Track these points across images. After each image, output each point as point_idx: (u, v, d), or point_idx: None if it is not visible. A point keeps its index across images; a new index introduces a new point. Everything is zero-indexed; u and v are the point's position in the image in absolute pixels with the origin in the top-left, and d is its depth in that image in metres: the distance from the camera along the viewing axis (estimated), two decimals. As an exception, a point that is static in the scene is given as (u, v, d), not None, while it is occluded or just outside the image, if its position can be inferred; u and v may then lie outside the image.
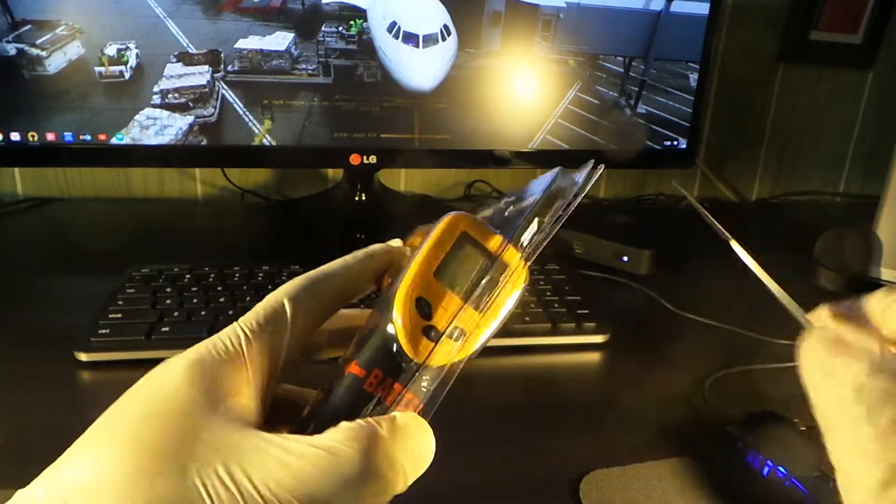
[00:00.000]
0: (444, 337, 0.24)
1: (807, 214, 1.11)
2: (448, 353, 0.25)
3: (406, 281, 0.25)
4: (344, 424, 0.22)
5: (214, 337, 0.24)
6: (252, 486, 0.20)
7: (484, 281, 0.25)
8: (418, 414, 0.25)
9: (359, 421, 0.22)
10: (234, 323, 0.25)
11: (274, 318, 0.25)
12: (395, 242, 0.29)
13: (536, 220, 0.25)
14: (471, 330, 0.25)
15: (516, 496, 0.42)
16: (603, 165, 0.27)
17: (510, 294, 0.26)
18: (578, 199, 0.25)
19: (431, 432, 0.24)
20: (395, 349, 0.24)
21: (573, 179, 0.26)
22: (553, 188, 0.26)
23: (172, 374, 0.22)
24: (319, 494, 0.20)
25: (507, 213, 0.28)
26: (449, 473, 0.43)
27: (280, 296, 0.25)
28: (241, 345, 0.23)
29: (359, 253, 0.28)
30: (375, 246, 0.28)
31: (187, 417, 0.21)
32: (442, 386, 0.25)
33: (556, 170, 0.27)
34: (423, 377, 0.25)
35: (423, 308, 0.25)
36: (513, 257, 0.25)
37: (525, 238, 0.25)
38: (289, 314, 0.25)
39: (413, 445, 0.23)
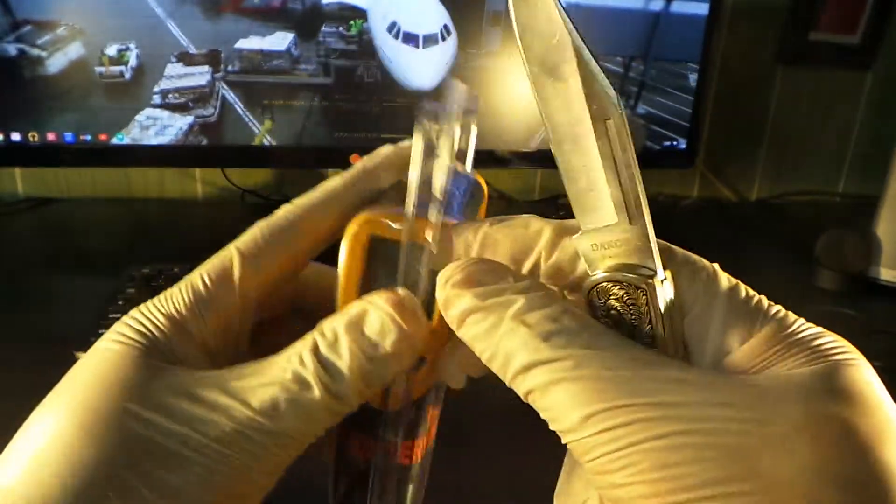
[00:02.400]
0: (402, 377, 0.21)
1: (807, 214, 1.11)
2: (422, 380, 0.22)
3: None
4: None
5: (156, 299, 0.21)
6: (206, 407, 0.18)
7: (420, 284, 0.21)
8: (428, 448, 0.24)
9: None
10: (180, 282, 0.22)
11: (221, 275, 0.21)
12: (404, 143, 0.23)
13: (439, 162, 0.21)
14: (429, 349, 0.21)
15: (518, 495, 0.42)
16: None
17: None
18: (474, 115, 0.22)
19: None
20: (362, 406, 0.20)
21: (450, 104, 0.22)
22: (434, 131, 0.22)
23: (114, 348, 0.20)
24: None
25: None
26: (450, 472, 0.44)
27: (230, 249, 0.22)
28: (183, 308, 0.21)
29: (355, 169, 0.23)
30: (379, 153, 0.24)
31: (127, 377, 0.19)
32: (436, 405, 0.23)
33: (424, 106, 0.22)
34: (409, 417, 0.23)
35: None
36: (425, 229, 0.21)
37: (437, 188, 0.21)
38: (236, 271, 0.21)
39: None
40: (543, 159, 0.82)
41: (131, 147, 0.70)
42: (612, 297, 0.18)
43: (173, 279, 0.22)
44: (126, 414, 0.18)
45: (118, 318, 0.21)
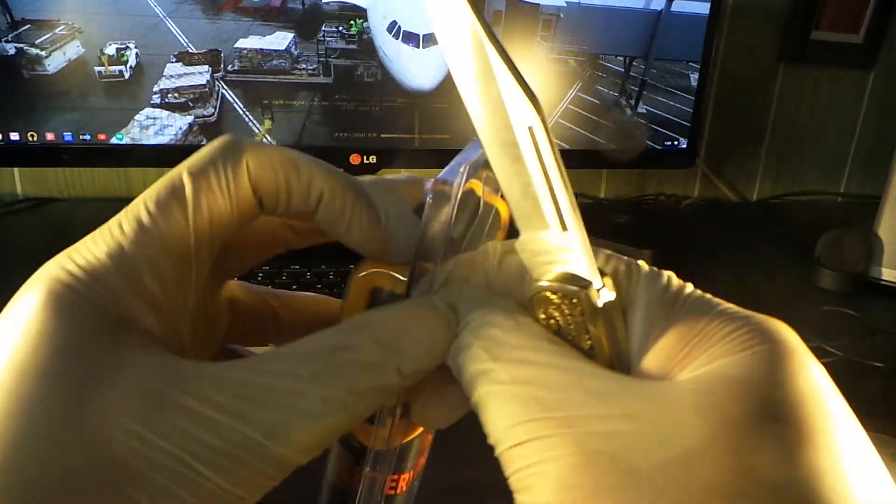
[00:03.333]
0: (386, 418, 0.21)
1: (808, 214, 1.11)
2: (406, 426, 0.22)
3: None
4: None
5: (87, 239, 0.17)
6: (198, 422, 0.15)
7: None
8: (417, 474, 0.24)
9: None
10: (117, 216, 0.18)
11: (169, 201, 0.18)
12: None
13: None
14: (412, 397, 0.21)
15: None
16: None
17: None
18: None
19: None
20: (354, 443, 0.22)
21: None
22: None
23: (35, 316, 0.15)
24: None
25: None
26: (450, 473, 0.43)
27: (179, 169, 0.18)
28: (126, 245, 0.17)
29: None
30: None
31: (67, 366, 0.15)
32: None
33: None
34: (395, 456, 0.23)
35: None
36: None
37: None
38: (188, 192, 0.18)
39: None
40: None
41: (131, 147, 0.69)
42: (551, 307, 0.18)
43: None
44: (103, 433, 0.14)
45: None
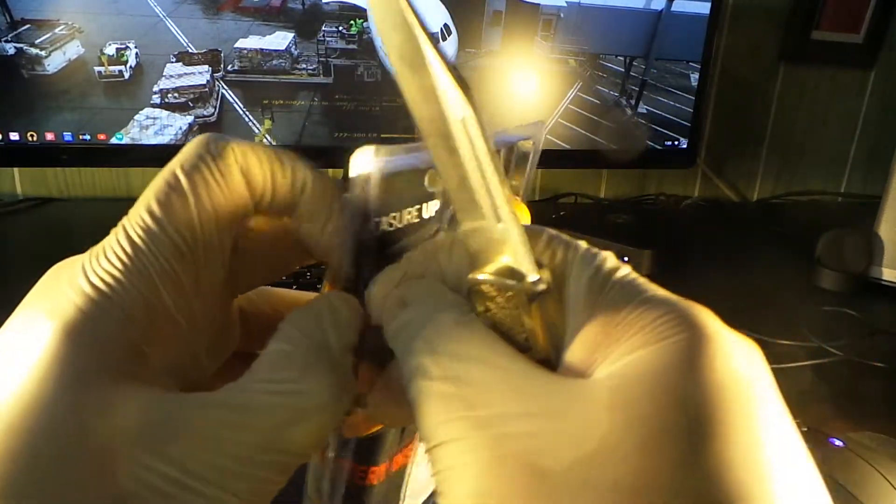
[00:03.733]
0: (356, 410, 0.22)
1: (808, 214, 1.11)
2: (363, 420, 0.22)
3: None
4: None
5: (98, 251, 0.17)
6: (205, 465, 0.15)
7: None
8: (398, 470, 0.24)
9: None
10: (113, 232, 0.17)
11: (170, 199, 0.17)
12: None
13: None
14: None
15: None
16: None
17: None
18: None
19: None
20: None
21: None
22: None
23: (41, 353, 0.15)
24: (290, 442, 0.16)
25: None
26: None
27: (172, 168, 0.18)
28: (132, 257, 0.16)
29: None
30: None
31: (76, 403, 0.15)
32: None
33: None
34: (363, 446, 0.23)
35: None
36: None
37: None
38: (186, 186, 0.17)
39: None
40: (544, 159, 0.81)
41: (131, 147, 0.69)
42: (487, 299, 0.18)
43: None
44: (112, 472, 0.14)
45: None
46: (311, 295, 0.24)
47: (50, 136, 0.68)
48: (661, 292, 0.17)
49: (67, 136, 0.68)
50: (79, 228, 0.83)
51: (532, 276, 0.17)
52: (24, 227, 0.85)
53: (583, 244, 0.18)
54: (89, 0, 0.65)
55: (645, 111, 0.82)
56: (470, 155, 0.17)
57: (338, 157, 0.76)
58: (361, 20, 0.71)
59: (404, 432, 0.24)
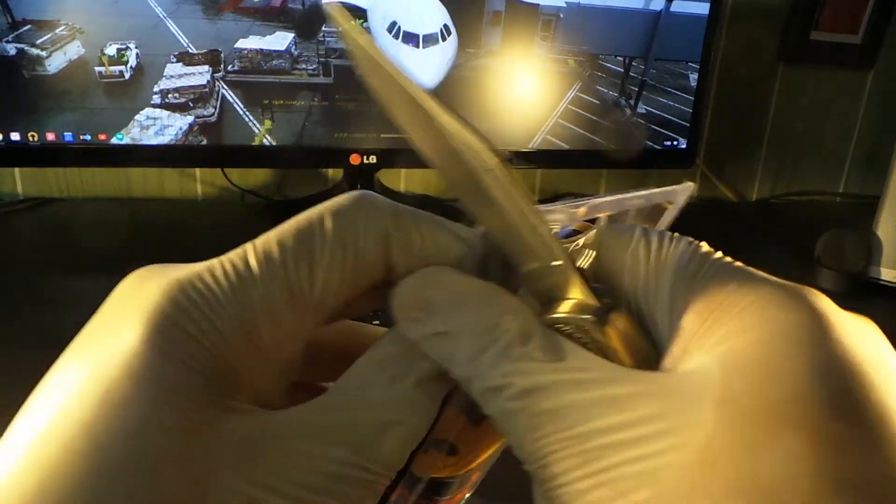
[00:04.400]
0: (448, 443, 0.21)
1: (807, 214, 1.11)
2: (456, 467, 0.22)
3: None
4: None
5: (207, 266, 0.16)
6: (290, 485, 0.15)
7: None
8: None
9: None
10: (243, 247, 0.17)
11: (302, 249, 0.16)
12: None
13: None
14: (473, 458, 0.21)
15: (517, 493, 0.42)
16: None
17: None
18: None
19: None
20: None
21: None
22: None
23: (138, 354, 0.14)
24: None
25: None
26: None
27: (320, 210, 0.17)
28: (243, 283, 0.16)
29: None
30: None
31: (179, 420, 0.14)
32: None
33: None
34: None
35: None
36: None
37: None
38: (328, 248, 0.17)
39: None
40: (543, 159, 0.82)
41: (131, 147, 0.70)
42: (563, 333, 0.18)
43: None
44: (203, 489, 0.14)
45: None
46: (382, 330, 0.22)
47: (50, 137, 0.68)
48: (759, 273, 0.16)
49: (68, 136, 0.68)
50: (79, 228, 0.83)
51: (599, 304, 0.17)
52: (24, 227, 0.85)
53: (675, 235, 0.18)
54: (90, 1, 0.65)
55: (644, 111, 0.82)
56: (509, 202, 0.17)
57: (337, 157, 0.76)
58: (361, 20, 0.71)
59: (463, 480, 0.24)
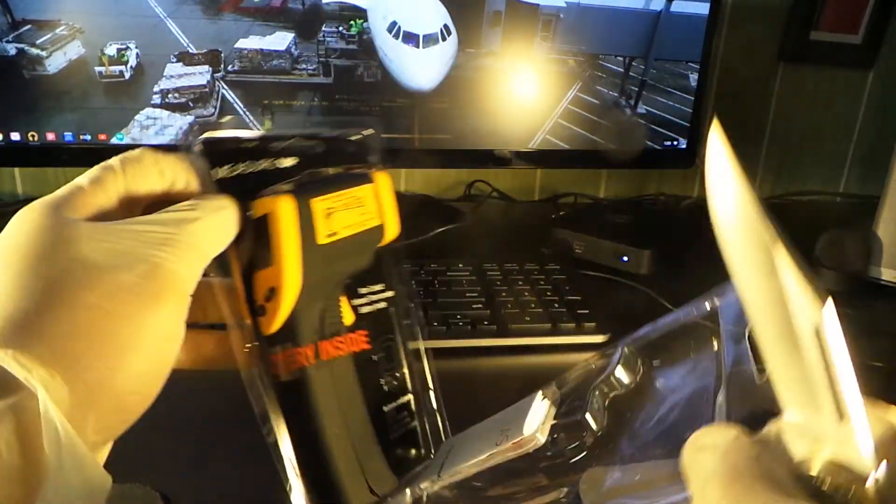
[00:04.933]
0: (262, 305, 0.27)
1: (807, 214, 1.11)
2: (276, 312, 0.27)
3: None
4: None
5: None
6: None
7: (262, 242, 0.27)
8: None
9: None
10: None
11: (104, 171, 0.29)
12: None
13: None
14: (277, 283, 0.27)
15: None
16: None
17: (285, 230, 0.27)
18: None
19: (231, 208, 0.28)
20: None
21: None
22: None
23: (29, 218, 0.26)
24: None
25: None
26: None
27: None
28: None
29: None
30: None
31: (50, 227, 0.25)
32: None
33: None
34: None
35: (250, 295, 0.28)
36: (262, 205, 0.27)
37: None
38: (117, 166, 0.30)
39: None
40: (543, 159, 0.82)
41: (131, 147, 0.70)
42: (819, 493, 0.17)
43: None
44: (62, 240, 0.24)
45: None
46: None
47: (51, 136, 0.68)
48: None
49: (68, 136, 0.68)
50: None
51: (873, 473, 0.17)
52: (24, 227, 0.85)
53: None
54: (90, 0, 0.65)
55: (644, 111, 0.82)
56: (818, 360, 0.17)
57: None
58: (361, 20, 0.71)
59: (324, 325, 0.28)
